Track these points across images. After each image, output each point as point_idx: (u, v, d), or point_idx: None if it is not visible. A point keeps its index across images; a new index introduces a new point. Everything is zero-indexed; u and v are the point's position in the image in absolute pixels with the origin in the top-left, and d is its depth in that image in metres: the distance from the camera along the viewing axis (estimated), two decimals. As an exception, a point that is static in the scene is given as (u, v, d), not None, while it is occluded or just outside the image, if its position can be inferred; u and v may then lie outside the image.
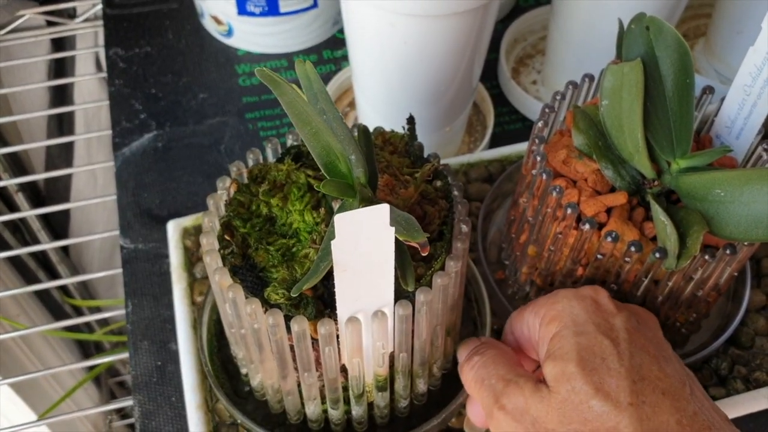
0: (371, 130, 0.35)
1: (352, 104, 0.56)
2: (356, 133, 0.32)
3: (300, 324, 0.29)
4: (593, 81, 0.38)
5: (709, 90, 0.38)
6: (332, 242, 0.25)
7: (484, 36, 0.44)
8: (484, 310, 0.39)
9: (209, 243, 0.32)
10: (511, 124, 0.56)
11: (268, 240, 0.32)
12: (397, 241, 0.28)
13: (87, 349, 0.91)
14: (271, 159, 0.35)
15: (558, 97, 0.37)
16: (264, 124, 0.56)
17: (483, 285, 0.40)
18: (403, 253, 0.29)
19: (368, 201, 0.30)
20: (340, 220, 0.24)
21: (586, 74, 0.38)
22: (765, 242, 0.34)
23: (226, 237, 0.32)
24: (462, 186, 0.34)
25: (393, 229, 0.26)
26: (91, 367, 0.81)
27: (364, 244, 0.26)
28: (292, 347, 0.31)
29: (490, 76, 0.59)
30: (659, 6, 0.46)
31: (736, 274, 0.36)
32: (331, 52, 0.61)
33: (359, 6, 0.40)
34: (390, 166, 0.34)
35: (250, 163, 0.34)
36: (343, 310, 0.29)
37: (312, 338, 0.31)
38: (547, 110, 0.37)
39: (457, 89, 0.46)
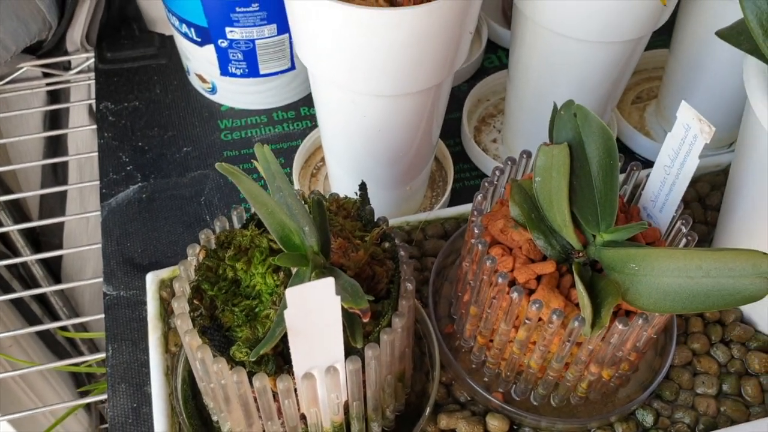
0: (329, 193, 0.39)
1: (323, 159, 0.60)
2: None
3: (261, 380, 0.33)
4: (530, 157, 0.42)
5: (636, 167, 0.42)
6: (285, 311, 0.29)
7: (439, 107, 0.48)
8: (435, 362, 0.43)
9: (180, 307, 0.35)
10: (471, 180, 0.60)
11: (233, 301, 0.36)
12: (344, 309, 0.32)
13: (78, 376, 0.94)
14: (237, 225, 0.39)
15: (498, 172, 0.41)
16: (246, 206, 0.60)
17: (435, 338, 0.44)
18: (351, 315, 0.33)
19: (321, 267, 0.34)
20: (290, 293, 0.28)
21: (524, 151, 0.42)
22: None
23: (195, 301, 0.36)
24: (408, 247, 0.38)
25: (339, 298, 0.30)
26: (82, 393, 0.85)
27: (313, 311, 0.30)
28: (256, 399, 0.35)
29: (454, 134, 0.63)
30: (604, 76, 0.51)
31: (654, 336, 0.40)
32: (308, 108, 0.65)
33: (324, 84, 0.45)
34: (343, 230, 0.38)
35: (218, 229, 0.38)
36: (298, 367, 0.33)
37: (273, 391, 0.34)
38: (486, 184, 0.41)
39: (416, 152, 0.50)
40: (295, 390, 0.34)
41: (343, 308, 0.32)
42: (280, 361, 0.35)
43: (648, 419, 0.44)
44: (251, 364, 0.34)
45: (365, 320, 0.31)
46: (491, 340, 0.42)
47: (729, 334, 0.47)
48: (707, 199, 0.54)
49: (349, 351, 0.33)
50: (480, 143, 0.62)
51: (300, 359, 0.32)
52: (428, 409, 0.41)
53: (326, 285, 0.29)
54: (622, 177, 0.42)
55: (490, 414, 0.43)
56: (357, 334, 0.34)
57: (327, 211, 0.39)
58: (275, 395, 0.35)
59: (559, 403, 0.43)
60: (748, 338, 0.47)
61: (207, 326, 0.36)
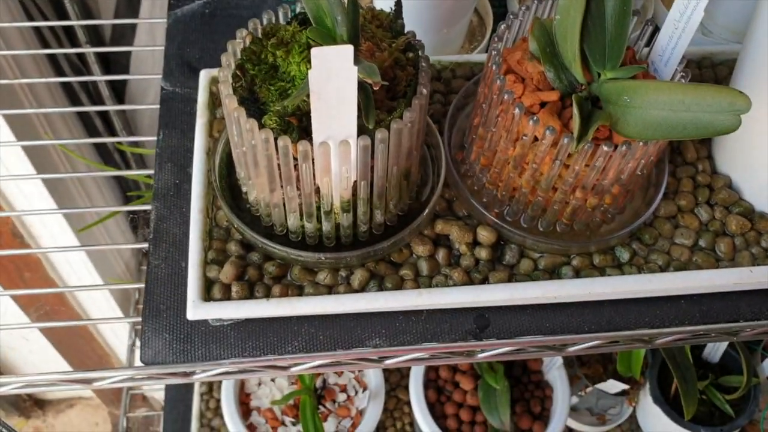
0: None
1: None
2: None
3: (284, 141, 0.39)
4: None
5: (649, 22, 0.45)
6: (309, 72, 0.35)
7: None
8: (441, 173, 0.49)
9: (225, 76, 0.41)
10: (509, 41, 0.64)
11: (270, 82, 0.42)
12: (362, 86, 0.37)
13: (125, 187, 1.04)
14: (282, 21, 0.44)
15: (523, 8, 0.45)
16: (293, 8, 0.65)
17: (444, 158, 0.49)
18: (367, 98, 0.39)
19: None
20: (315, 52, 0.34)
21: (549, -7, 0.46)
22: (659, 140, 0.42)
23: (238, 73, 0.42)
24: (428, 58, 0.42)
25: (356, 68, 0.35)
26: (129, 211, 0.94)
27: (334, 76, 0.35)
28: (279, 166, 0.41)
29: (500, -3, 0.66)
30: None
31: (640, 173, 0.45)
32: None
33: None
34: (374, 36, 0.43)
35: (265, 22, 0.43)
36: (317, 135, 0.38)
37: (294, 158, 0.40)
38: (511, 16, 0.45)
39: (457, -2, 0.54)
40: (313, 160, 0.40)
41: (360, 89, 0.37)
42: (303, 134, 0.40)
43: (624, 256, 0.49)
44: (278, 131, 0.40)
45: (375, 88, 0.36)
46: (492, 163, 0.47)
47: (715, 197, 0.51)
48: (724, 82, 0.57)
49: (362, 133, 0.39)
50: (523, 7, 0.65)
51: (318, 126, 0.38)
52: (428, 210, 0.47)
53: (346, 50, 0.34)
54: (636, 33, 0.46)
55: (481, 225, 0.48)
56: (370, 115, 0.39)
57: (363, 18, 0.44)
58: (296, 164, 0.41)
59: (546, 228, 0.48)
60: (731, 203, 0.51)
61: (245, 97, 0.41)
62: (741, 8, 0.62)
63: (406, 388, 0.90)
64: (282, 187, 0.43)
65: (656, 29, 0.46)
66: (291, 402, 0.83)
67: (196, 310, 0.44)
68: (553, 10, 0.47)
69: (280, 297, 0.45)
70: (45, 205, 0.84)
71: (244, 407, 0.86)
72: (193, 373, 0.48)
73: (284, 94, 0.42)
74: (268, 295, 0.46)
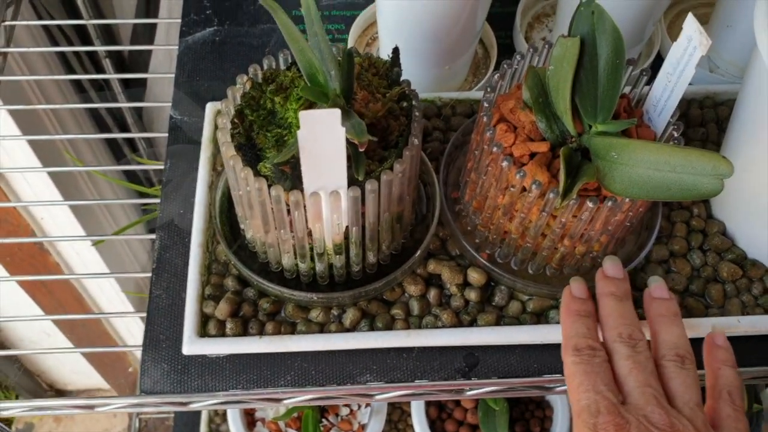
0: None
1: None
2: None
3: (277, 190, 0.40)
4: (551, 47, 0.46)
5: (644, 72, 0.46)
6: (298, 131, 0.36)
7: (485, -6, 0.52)
8: (435, 214, 0.50)
9: (223, 123, 0.42)
10: (514, 73, 0.64)
11: (267, 128, 0.43)
12: (351, 142, 0.38)
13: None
14: (282, 66, 0.45)
15: (518, 57, 0.46)
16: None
17: (439, 197, 0.50)
18: (357, 152, 0.40)
19: (339, 108, 0.40)
20: (303, 115, 0.35)
21: (547, 41, 0.46)
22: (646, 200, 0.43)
23: (236, 121, 0.43)
24: (421, 107, 0.43)
25: (344, 129, 0.36)
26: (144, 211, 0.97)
27: (322, 136, 0.36)
28: (273, 210, 0.43)
29: (507, 26, 0.67)
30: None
31: (629, 224, 0.46)
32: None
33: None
34: (370, 84, 0.44)
35: (265, 67, 0.45)
36: (307, 186, 0.40)
37: (286, 204, 0.42)
38: (505, 66, 0.46)
39: (459, 33, 0.55)
40: (305, 207, 0.41)
41: (350, 144, 0.39)
42: (297, 182, 0.42)
43: (614, 300, 0.49)
44: (272, 178, 0.41)
45: (361, 149, 0.37)
46: (483, 207, 0.47)
47: (708, 243, 0.52)
48: (725, 122, 0.57)
49: (353, 184, 0.40)
50: (529, 39, 0.66)
51: (309, 179, 0.39)
52: (420, 251, 0.48)
53: (333, 114, 0.35)
54: (633, 81, 0.46)
55: (472, 267, 0.49)
56: (360, 167, 0.40)
57: (359, 67, 0.45)
58: (289, 209, 0.42)
59: (536, 271, 0.49)
60: (724, 249, 0.51)
61: (243, 143, 0.43)
62: (744, 46, 0.62)
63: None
64: (276, 229, 0.44)
65: (652, 78, 0.46)
66: (295, 414, 0.85)
67: (191, 345, 0.46)
68: (548, 59, 0.47)
69: (272, 335, 0.47)
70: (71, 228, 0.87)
71: (249, 418, 0.87)
72: (189, 403, 0.50)
73: (281, 140, 0.43)
74: (261, 332, 0.47)
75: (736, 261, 0.51)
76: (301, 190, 0.40)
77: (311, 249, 0.45)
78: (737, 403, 0.42)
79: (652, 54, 0.64)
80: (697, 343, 0.49)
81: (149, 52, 0.87)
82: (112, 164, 0.98)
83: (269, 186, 0.41)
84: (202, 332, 0.47)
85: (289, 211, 0.42)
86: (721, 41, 0.63)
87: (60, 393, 1.50)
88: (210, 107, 0.55)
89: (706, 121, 0.57)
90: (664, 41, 0.65)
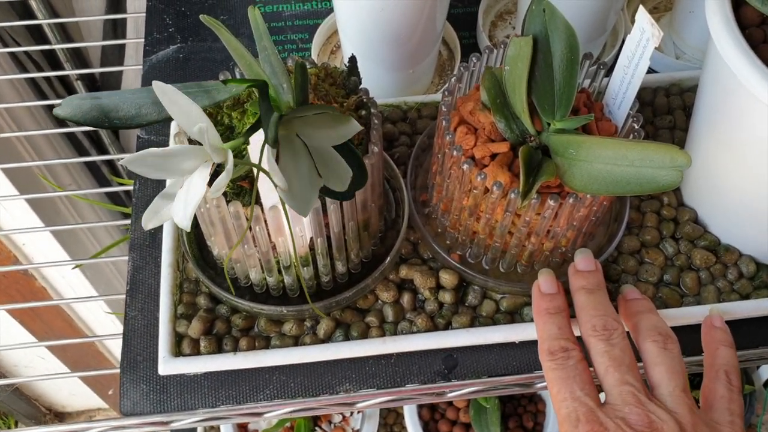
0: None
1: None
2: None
3: (235, 206, 0.40)
4: (506, 47, 0.46)
5: (602, 65, 0.46)
6: (248, 147, 0.36)
7: (443, -4, 0.52)
8: (404, 219, 0.50)
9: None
10: (481, 72, 0.64)
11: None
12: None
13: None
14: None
15: (474, 59, 0.46)
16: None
17: (407, 202, 0.50)
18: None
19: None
20: (253, 138, 0.35)
21: (503, 42, 0.46)
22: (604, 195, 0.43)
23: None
24: (380, 115, 0.43)
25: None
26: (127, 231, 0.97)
27: (274, 154, 0.36)
28: (234, 226, 0.43)
29: (470, 26, 0.67)
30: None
31: (594, 218, 0.45)
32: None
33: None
34: (327, 94, 0.44)
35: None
36: (265, 200, 0.40)
37: (248, 219, 0.41)
38: (462, 68, 0.46)
39: (420, 36, 0.55)
40: (266, 221, 0.41)
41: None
42: (257, 196, 0.42)
43: (587, 294, 0.49)
44: (232, 195, 0.41)
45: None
46: (450, 209, 0.47)
47: (680, 231, 0.51)
48: (692, 109, 0.57)
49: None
50: (493, 38, 0.66)
51: (267, 194, 0.39)
52: (390, 257, 0.48)
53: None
54: (592, 74, 0.46)
55: (444, 269, 0.49)
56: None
57: (316, 77, 0.45)
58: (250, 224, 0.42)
59: (507, 269, 0.49)
60: (697, 236, 0.51)
61: (201, 161, 0.42)
62: (707, 31, 0.62)
63: (403, 405, 0.91)
64: (239, 244, 0.44)
65: (610, 71, 0.46)
66: (288, 424, 0.84)
67: (167, 365, 0.46)
68: (504, 59, 0.47)
69: (247, 350, 0.47)
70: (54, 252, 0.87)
71: (243, 431, 0.87)
72: (170, 422, 0.49)
73: (239, 155, 0.43)
74: (236, 348, 0.47)
75: (710, 248, 0.51)
76: (261, 205, 0.40)
77: (278, 262, 0.45)
78: (734, 383, 0.42)
79: (616, 44, 0.64)
80: (679, 331, 0.49)
81: (120, 72, 0.87)
82: (92, 185, 0.98)
83: (228, 202, 0.40)
84: (177, 352, 0.47)
85: (251, 227, 0.42)
86: (685, 27, 0.63)
87: (58, 416, 1.50)
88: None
89: (672, 108, 0.57)
90: (629, 30, 0.65)
